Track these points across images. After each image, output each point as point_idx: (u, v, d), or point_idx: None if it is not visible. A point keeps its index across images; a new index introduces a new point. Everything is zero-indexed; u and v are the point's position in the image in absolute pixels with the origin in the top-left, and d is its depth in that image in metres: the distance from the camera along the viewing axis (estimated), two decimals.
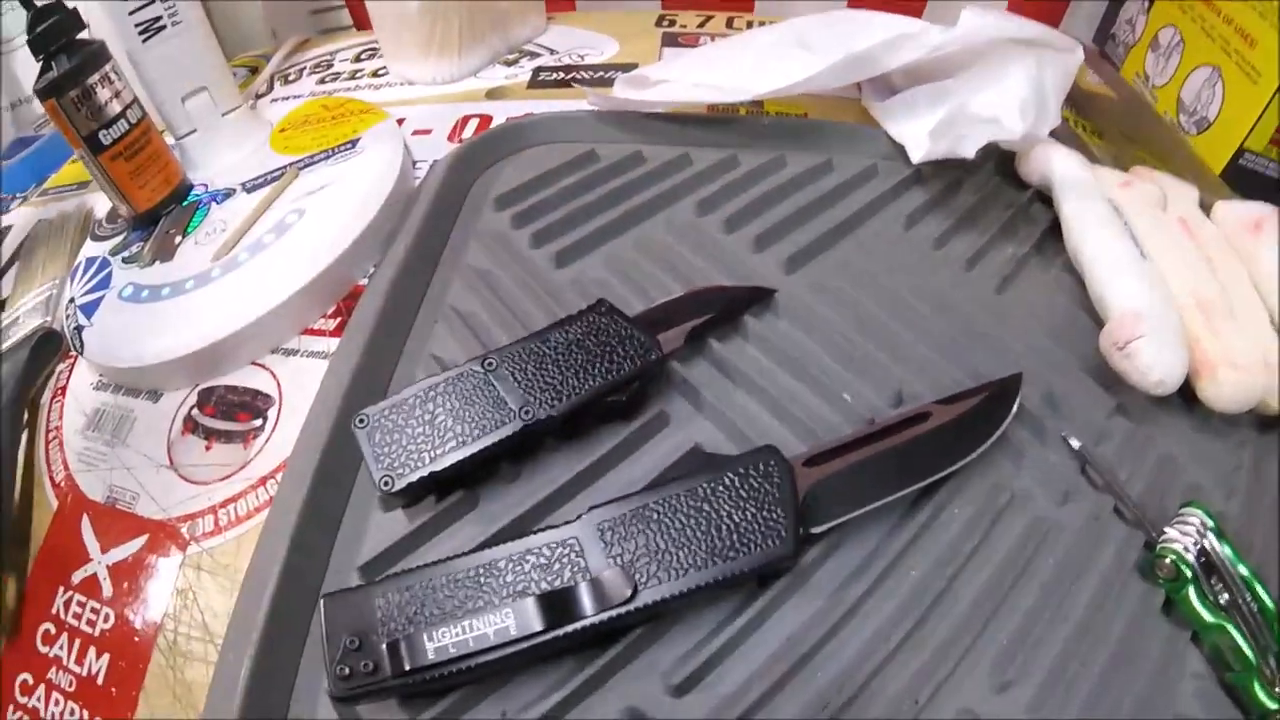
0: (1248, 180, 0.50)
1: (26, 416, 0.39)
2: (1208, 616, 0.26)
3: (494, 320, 0.36)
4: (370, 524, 0.30)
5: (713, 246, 0.38)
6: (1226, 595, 0.26)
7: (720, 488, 0.26)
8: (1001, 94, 0.40)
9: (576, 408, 0.29)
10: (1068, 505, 0.29)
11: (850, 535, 0.28)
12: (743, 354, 0.34)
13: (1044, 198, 0.41)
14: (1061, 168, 0.39)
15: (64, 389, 0.40)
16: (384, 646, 0.24)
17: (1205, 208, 0.39)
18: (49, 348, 0.41)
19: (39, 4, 0.37)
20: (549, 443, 0.31)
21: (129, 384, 0.39)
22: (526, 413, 0.29)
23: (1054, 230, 0.39)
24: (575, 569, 0.25)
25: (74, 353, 0.40)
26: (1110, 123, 0.53)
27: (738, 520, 0.25)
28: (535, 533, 0.26)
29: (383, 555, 0.28)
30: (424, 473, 0.28)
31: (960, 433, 0.29)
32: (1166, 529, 0.28)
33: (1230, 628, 0.26)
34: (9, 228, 0.53)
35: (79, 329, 0.38)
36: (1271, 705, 0.24)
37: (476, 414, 0.29)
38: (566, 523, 0.26)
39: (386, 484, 0.28)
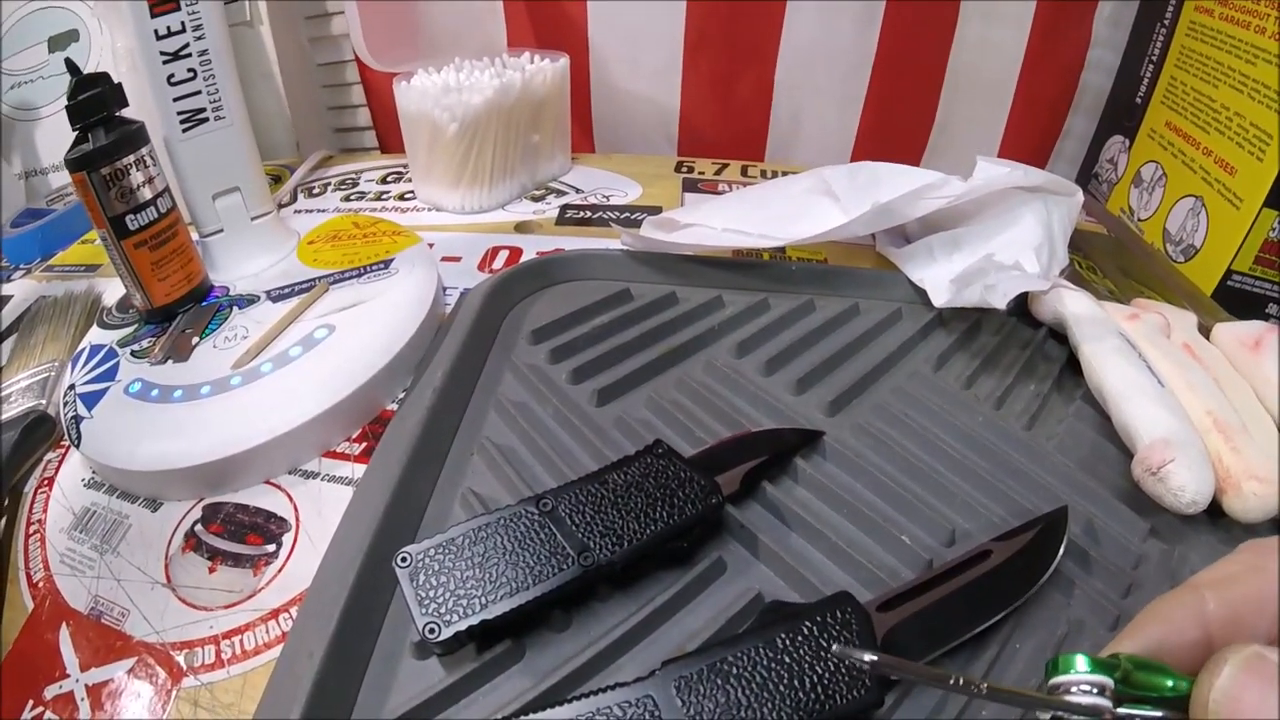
0: (1237, 299, 0.53)
1: (6, 503, 0.36)
2: None
3: (534, 456, 0.35)
4: (400, 672, 0.27)
5: (754, 389, 0.39)
6: None
7: (799, 638, 0.25)
8: (1016, 240, 0.43)
9: (638, 553, 0.28)
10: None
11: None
12: (795, 497, 0.33)
13: (1056, 335, 0.43)
14: (1075, 307, 0.41)
15: (51, 480, 0.37)
16: None
17: (1204, 330, 0.41)
18: (40, 432, 0.38)
19: (85, 72, 0.36)
20: (602, 590, 0.30)
21: (125, 486, 0.36)
22: (586, 558, 0.28)
23: (1070, 365, 0.41)
24: None
25: (67, 443, 0.37)
26: (1105, 258, 0.57)
27: (820, 671, 0.24)
28: (603, 691, 0.24)
29: (416, 709, 0.26)
30: (474, 621, 0.26)
31: (1021, 567, 0.29)
32: None
33: None
34: (9, 297, 0.51)
35: (77, 419, 0.36)
36: None
37: (532, 558, 0.28)
38: (639, 679, 0.24)
39: (432, 631, 0.26)
